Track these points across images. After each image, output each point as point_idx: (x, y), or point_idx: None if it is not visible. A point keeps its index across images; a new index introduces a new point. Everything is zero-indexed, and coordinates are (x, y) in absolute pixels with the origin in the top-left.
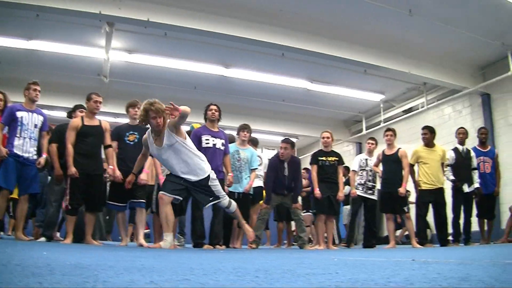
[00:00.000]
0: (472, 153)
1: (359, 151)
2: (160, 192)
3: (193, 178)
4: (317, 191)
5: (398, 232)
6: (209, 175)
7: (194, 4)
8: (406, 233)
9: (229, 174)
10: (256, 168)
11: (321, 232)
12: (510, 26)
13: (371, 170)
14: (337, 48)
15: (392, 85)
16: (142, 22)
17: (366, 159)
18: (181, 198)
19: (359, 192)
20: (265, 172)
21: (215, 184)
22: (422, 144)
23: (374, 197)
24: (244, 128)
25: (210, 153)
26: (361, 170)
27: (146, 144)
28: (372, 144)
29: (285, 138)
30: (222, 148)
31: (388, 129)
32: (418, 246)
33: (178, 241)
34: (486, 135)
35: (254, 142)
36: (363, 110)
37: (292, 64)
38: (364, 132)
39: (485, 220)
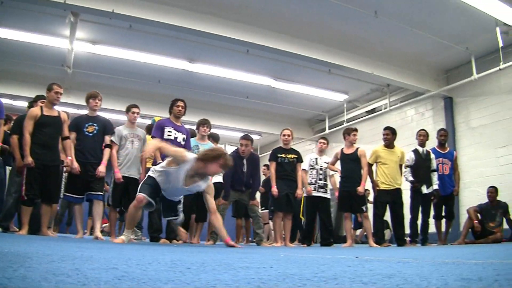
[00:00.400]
0: (432, 155)
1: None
2: (141, 194)
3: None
4: (274, 189)
5: (359, 232)
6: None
7: None
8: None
9: None
10: None
11: (278, 229)
12: (475, 31)
13: (321, 169)
14: (302, 47)
15: (356, 86)
16: (107, 13)
17: (316, 158)
18: (155, 206)
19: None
20: None
21: (181, 206)
22: (382, 145)
23: (327, 195)
24: (204, 123)
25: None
26: (311, 169)
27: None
28: (324, 143)
29: (245, 135)
30: (183, 142)
31: (356, 129)
32: (375, 245)
33: (135, 235)
34: (446, 137)
35: (215, 138)
36: (326, 109)
37: (257, 61)
38: (327, 131)
39: (443, 221)
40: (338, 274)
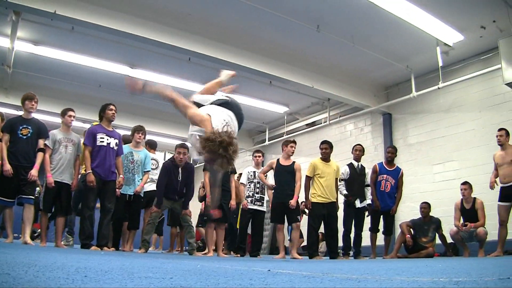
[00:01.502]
0: (367, 170)
1: (262, 161)
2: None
3: None
4: (208, 198)
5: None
6: None
7: (103, 1)
8: (303, 244)
9: (120, 176)
10: (149, 171)
11: (210, 239)
12: (415, 50)
13: (258, 182)
14: (244, 58)
15: (296, 98)
16: (49, 14)
17: (254, 172)
18: None
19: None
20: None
21: None
22: (319, 158)
23: (263, 208)
24: (139, 130)
25: (103, 152)
26: (249, 182)
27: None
28: (260, 156)
29: (182, 143)
30: (116, 147)
31: (294, 141)
32: (298, 257)
33: (66, 241)
34: (393, 154)
35: (152, 145)
36: (267, 121)
37: (198, 70)
38: (267, 142)
39: (378, 235)
40: (226, 285)
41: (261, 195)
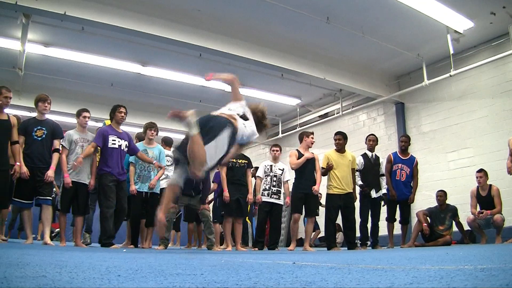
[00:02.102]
0: (381, 160)
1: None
2: None
3: None
4: (226, 193)
5: (312, 235)
6: None
7: (112, 0)
8: (320, 235)
9: (154, 162)
10: (165, 166)
11: (228, 234)
12: (426, 38)
13: (275, 176)
14: (255, 52)
15: (308, 90)
16: (59, 16)
17: (271, 165)
18: None
19: (264, 198)
20: None
21: None
22: (333, 149)
23: (280, 202)
24: (152, 127)
25: (116, 154)
26: (265, 175)
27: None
28: (277, 151)
29: None
30: (126, 149)
31: (313, 133)
32: (310, 249)
33: (83, 239)
34: (406, 143)
35: (167, 142)
36: (279, 113)
37: (210, 65)
38: (280, 135)
39: (395, 224)
40: (261, 282)
41: (278, 189)
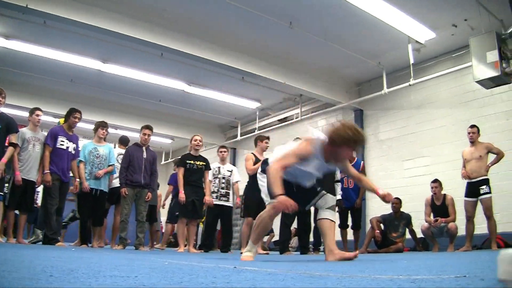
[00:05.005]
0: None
1: (234, 156)
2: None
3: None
4: (182, 194)
5: (266, 238)
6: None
7: None
8: (274, 239)
9: (77, 180)
10: (113, 164)
11: (182, 235)
12: (387, 47)
13: (223, 177)
14: (217, 53)
15: (268, 94)
16: (21, 8)
17: (219, 167)
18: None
19: (213, 201)
20: None
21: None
22: None
23: (229, 204)
24: (103, 126)
25: (61, 155)
26: (214, 178)
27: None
28: (225, 152)
29: (147, 124)
30: (73, 152)
31: (268, 137)
32: (263, 252)
33: (35, 235)
34: None
35: (123, 141)
36: (239, 116)
37: (171, 65)
38: (239, 138)
39: (345, 231)
40: (190, 287)
41: (227, 190)
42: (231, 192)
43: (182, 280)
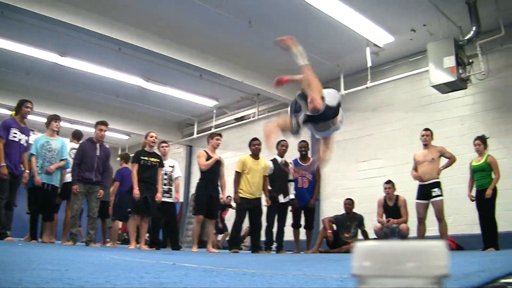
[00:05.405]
0: (291, 166)
1: (190, 154)
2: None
3: None
4: (136, 191)
5: (220, 237)
6: None
7: None
8: (227, 238)
9: (26, 171)
10: (66, 159)
11: (133, 231)
12: (346, 49)
13: (165, 173)
14: (175, 50)
15: (226, 93)
16: None
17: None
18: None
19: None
20: None
21: None
22: (249, 154)
23: (171, 200)
24: (56, 118)
25: (15, 148)
26: None
27: None
28: (166, 146)
29: (102, 120)
30: (25, 144)
31: (220, 134)
32: (214, 251)
33: None
34: (306, 148)
35: (76, 135)
36: (196, 114)
37: (129, 60)
38: (195, 135)
39: (298, 230)
40: (113, 281)
41: (169, 186)
42: (173, 188)
43: (111, 275)
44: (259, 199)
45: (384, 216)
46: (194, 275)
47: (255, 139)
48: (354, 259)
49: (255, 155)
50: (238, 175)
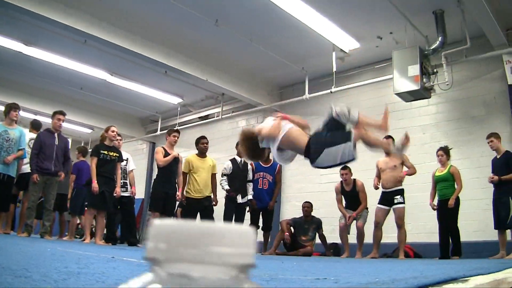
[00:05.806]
0: (249, 166)
1: (153, 150)
2: None
3: None
4: (95, 184)
5: None
6: None
7: None
8: None
9: None
10: (24, 148)
11: (88, 225)
12: (312, 53)
13: (120, 168)
14: (140, 45)
15: (191, 91)
16: None
17: None
18: None
19: None
20: None
21: None
22: (195, 153)
23: (127, 194)
24: (15, 107)
25: None
26: None
27: None
28: (120, 139)
29: (60, 110)
30: None
31: (178, 131)
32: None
33: None
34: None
35: (34, 125)
36: (160, 110)
37: (94, 53)
38: (159, 132)
39: (259, 232)
40: (34, 270)
41: (125, 180)
42: (128, 181)
43: (34, 263)
44: (209, 198)
45: (344, 202)
46: (124, 268)
47: (203, 137)
48: (149, 239)
49: (202, 153)
50: (185, 175)
